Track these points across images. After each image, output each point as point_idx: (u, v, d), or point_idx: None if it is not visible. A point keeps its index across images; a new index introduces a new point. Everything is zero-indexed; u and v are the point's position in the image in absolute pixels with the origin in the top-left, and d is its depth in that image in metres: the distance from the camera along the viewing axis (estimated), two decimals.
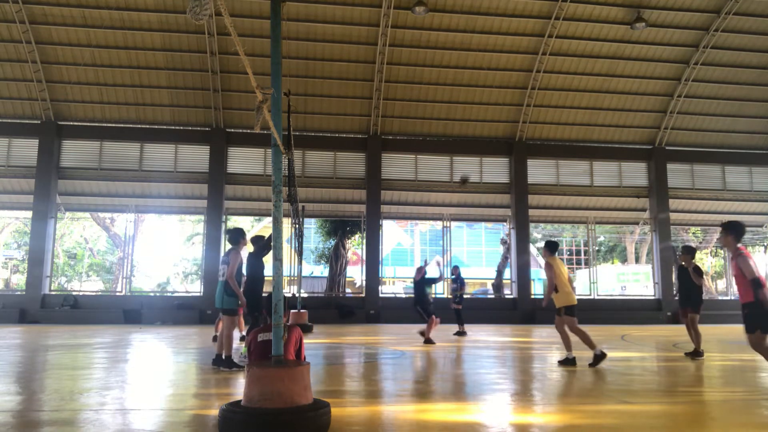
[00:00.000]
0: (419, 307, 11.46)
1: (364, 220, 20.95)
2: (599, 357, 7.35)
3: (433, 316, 11.25)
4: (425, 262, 12.61)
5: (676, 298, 9.21)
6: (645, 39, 20.29)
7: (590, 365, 7.33)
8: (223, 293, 7.05)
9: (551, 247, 7.98)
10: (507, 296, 21.74)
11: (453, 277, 14.10)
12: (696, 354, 8.66)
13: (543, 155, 21.71)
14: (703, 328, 9.19)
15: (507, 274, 23.28)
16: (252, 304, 7.48)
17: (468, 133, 21.43)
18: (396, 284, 36.27)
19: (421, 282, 11.66)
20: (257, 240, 7.99)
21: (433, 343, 10.96)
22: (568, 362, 7.58)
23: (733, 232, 5.72)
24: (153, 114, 20.13)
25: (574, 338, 7.66)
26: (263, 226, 38.28)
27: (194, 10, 2.83)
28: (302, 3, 18.46)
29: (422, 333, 11.29)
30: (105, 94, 19.79)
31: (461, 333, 13.56)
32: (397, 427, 4.20)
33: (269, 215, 23.44)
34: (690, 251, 9.29)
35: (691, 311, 8.90)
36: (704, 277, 9.09)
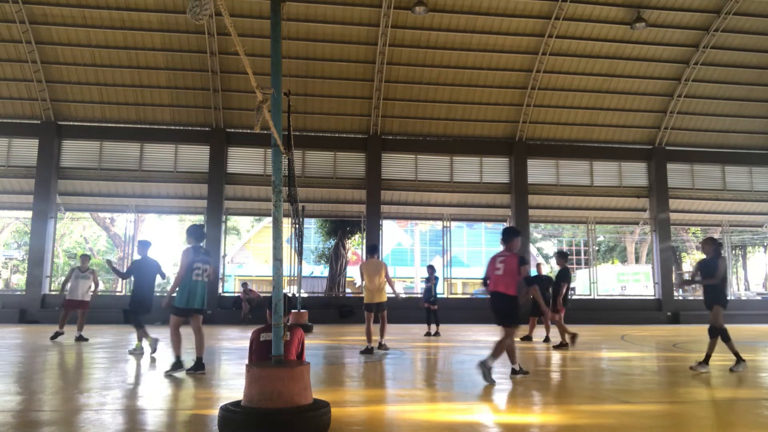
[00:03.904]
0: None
1: (364, 220, 20.95)
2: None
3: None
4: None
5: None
6: (645, 39, 20.29)
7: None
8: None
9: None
10: None
11: (427, 276, 14.00)
12: (562, 346, 9.89)
13: (543, 155, 21.70)
14: (702, 328, 9.17)
15: None
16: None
17: (468, 133, 21.43)
18: (396, 284, 36.22)
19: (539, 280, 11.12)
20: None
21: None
22: None
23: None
24: (153, 114, 20.13)
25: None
26: (263, 227, 38.31)
27: (194, 10, 2.82)
28: (302, 3, 18.46)
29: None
30: (105, 94, 19.79)
31: (433, 334, 13.16)
32: (396, 427, 4.20)
33: (269, 215, 23.47)
34: (562, 255, 10.34)
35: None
36: (568, 281, 10.44)
